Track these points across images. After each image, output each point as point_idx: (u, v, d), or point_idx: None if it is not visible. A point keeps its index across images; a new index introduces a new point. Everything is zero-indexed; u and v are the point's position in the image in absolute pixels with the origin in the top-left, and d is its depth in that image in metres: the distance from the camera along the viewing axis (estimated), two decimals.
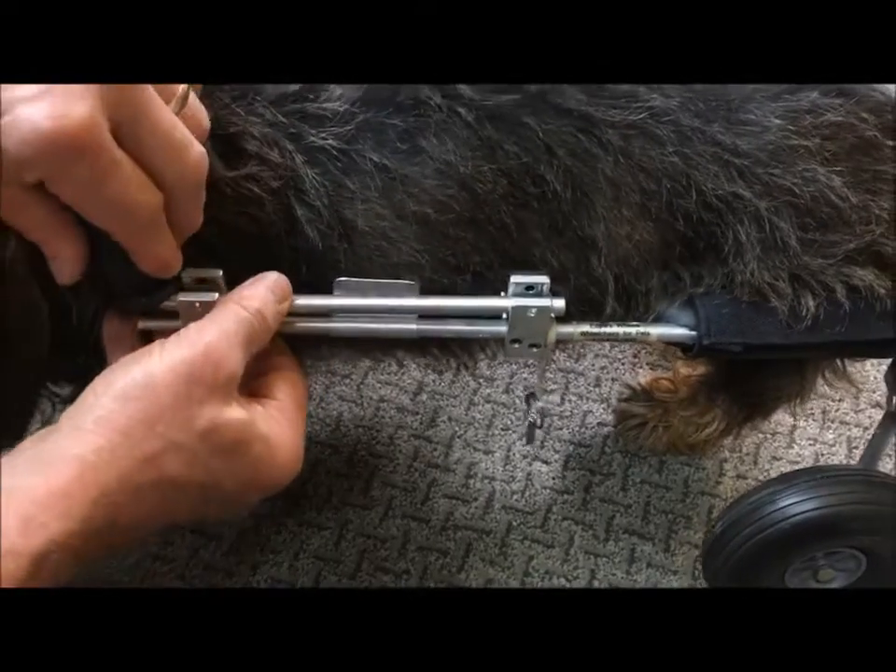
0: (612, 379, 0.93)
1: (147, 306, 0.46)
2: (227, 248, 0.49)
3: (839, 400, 0.92)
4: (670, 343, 0.57)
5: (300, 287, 0.49)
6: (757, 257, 0.53)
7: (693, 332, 0.54)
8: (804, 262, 0.53)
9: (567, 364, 0.94)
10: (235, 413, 0.42)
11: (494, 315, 0.51)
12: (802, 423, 0.90)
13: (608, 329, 0.53)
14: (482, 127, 0.49)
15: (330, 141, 0.48)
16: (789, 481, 0.63)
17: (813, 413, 0.91)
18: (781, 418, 0.89)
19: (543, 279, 0.49)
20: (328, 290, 0.50)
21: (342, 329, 0.50)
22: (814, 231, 0.53)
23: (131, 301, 0.46)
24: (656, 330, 0.54)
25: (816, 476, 0.63)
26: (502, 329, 0.50)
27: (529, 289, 0.49)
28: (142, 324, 0.48)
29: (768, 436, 0.89)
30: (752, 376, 0.70)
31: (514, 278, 0.49)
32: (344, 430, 0.88)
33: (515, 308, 0.49)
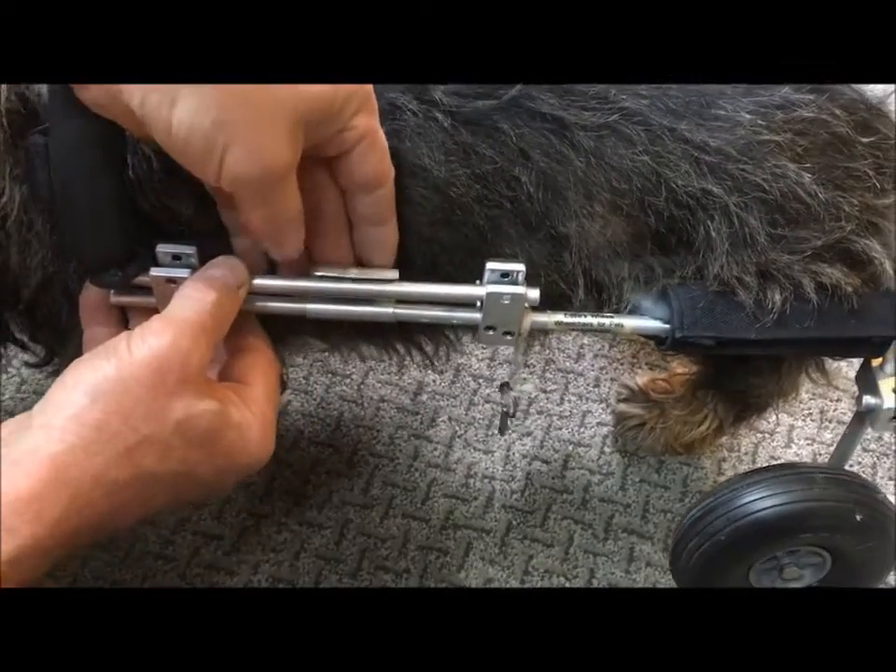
0: (611, 379, 0.94)
1: (120, 281, 0.46)
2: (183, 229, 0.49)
3: (837, 400, 0.92)
4: (644, 336, 0.57)
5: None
6: (726, 251, 0.53)
7: (667, 325, 0.55)
8: (771, 258, 0.53)
9: (567, 364, 0.94)
10: (207, 403, 0.42)
11: (469, 303, 0.51)
12: (800, 423, 0.91)
13: (582, 320, 0.54)
14: (457, 132, 0.50)
15: None
16: (753, 477, 0.63)
17: (811, 413, 0.91)
18: (780, 418, 0.90)
19: (519, 267, 0.50)
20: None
21: (318, 311, 0.50)
22: (783, 227, 0.53)
23: (104, 275, 0.46)
24: (630, 322, 0.55)
25: (781, 473, 0.63)
26: (477, 315, 0.51)
27: (504, 276, 0.50)
28: (114, 298, 0.48)
29: (766, 435, 0.90)
30: (733, 374, 0.70)
31: (490, 265, 0.50)
32: (345, 430, 0.89)
33: (490, 294, 0.50)
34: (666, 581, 0.79)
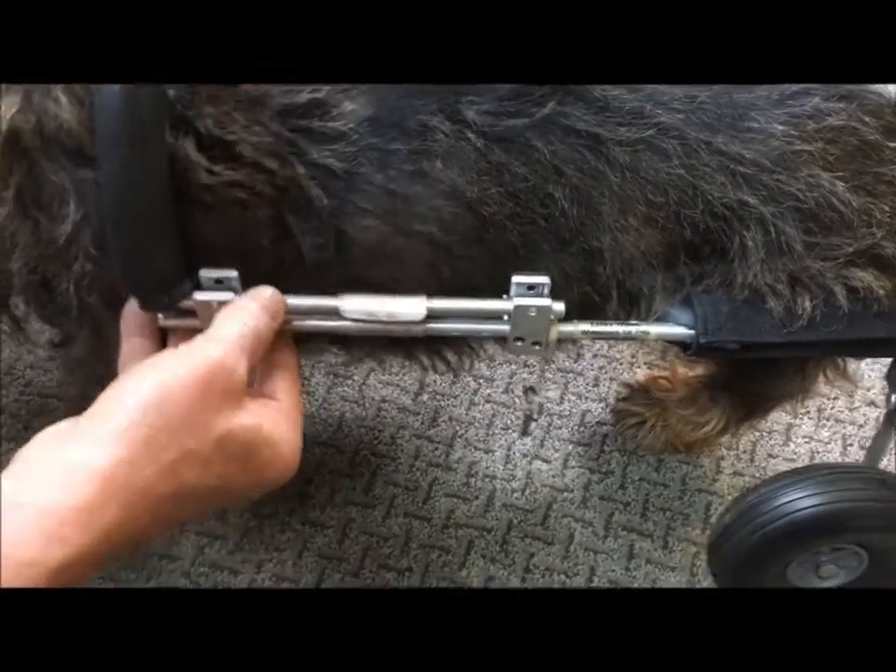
0: (611, 378, 0.94)
1: (167, 305, 0.48)
2: (209, 249, 0.50)
3: (834, 399, 0.93)
4: (669, 342, 0.58)
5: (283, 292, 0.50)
6: (761, 260, 0.54)
7: (692, 331, 0.55)
8: (805, 265, 0.54)
9: (567, 364, 0.95)
10: (246, 418, 0.43)
11: (496, 316, 0.52)
12: (797, 421, 0.92)
13: (607, 328, 0.55)
14: (490, 151, 0.50)
15: (332, 160, 0.49)
16: (797, 476, 0.64)
17: (809, 412, 0.92)
18: (777, 416, 0.90)
19: (544, 279, 0.50)
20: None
21: (348, 328, 0.51)
22: (816, 235, 0.53)
23: (150, 298, 0.48)
24: (655, 329, 0.55)
25: (823, 472, 0.64)
26: (505, 327, 0.52)
27: (531, 289, 0.51)
28: (162, 322, 0.49)
29: (764, 434, 0.90)
30: (755, 375, 0.71)
31: (516, 278, 0.51)
32: (347, 431, 0.89)
33: (517, 308, 0.50)
34: (666, 578, 0.80)
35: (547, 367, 0.95)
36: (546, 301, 0.51)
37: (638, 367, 0.96)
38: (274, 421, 0.46)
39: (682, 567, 0.81)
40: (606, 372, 0.95)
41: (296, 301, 0.50)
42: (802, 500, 0.62)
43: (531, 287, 0.51)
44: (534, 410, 0.60)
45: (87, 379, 0.60)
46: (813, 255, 0.54)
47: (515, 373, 0.94)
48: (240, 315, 0.46)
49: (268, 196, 0.49)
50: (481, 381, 0.93)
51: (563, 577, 0.80)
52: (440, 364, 0.65)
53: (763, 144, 0.51)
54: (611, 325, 0.55)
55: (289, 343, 0.51)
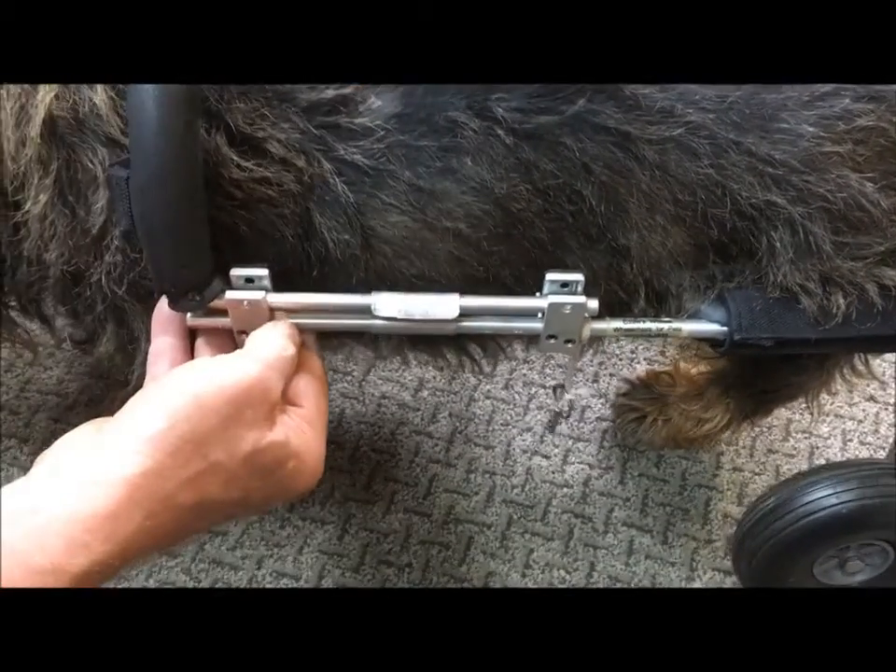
0: (610, 374, 0.94)
1: (199, 305, 0.48)
2: (238, 246, 0.50)
3: (833, 394, 0.93)
4: (701, 339, 0.58)
5: (310, 289, 0.51)
6: (790, 260, 0.54)
7: (724, 328, 0.55)
8: (836, 265, 0.54)
9: (566, 360, 0.95)
10: (274, 436, 0.43)
11: (530, 314, 0.52)
12: (797, 416, 0.92)
13: (640, 325, 0.54)
14: (519, 149, 0.50)
15: (359, 157, 0.49)
16: (821, 473, 0.64)
17: (808, 407, 0.92)
18: (777, 412, 0.90)
19: (578, 277, 0.50)
20: (340, 292, 0.51)
21: (381, 327, 0.51)
22: (846, 235, 0.53)
23: (183, 300, 0.48)
24: (688, 326, 0.55)
25: (852, 469, 0.64)
26: (538, 325, 0.51)
27: (564, 286, 0.51)
28: (191, 321, 0.49)
29: (764, 429, 0.90)
30: (776, 373, 0.70)
31: (550, 275, 0.50)
32: (347, 427, 0.90)
33: (551, 305, 0.50)
34: (666, 574, 0.80)
35: (546, 363, 0.95)
36: (581, 299, 0.50)
37: (638, 363, 0.96)
38: (300, 431, 0.46)
39: (682, 562, 0.81)
40: (605, 368, 0.95)
41: (328, 299, 0.50)
42: (827, 498, 0.62)
43: (565, 284, 0.50)
44: (564, 408, 0.60)
45: (112, 377, 0.59)
46: (843, 255, 0.54)
47: (515, 369, 0.94)
48: (283, 338, 0.47)
49: (295, 192, 0.49)
50: (480, 377, 0.93)
51: (563, 572, 0.80)
52: (466, 361, 0.64)
53: (792, 145, 0.51)
54: (644, 322, 0.54)
55: (315, 347, 0.52)
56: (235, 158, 0.47)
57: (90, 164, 0.47)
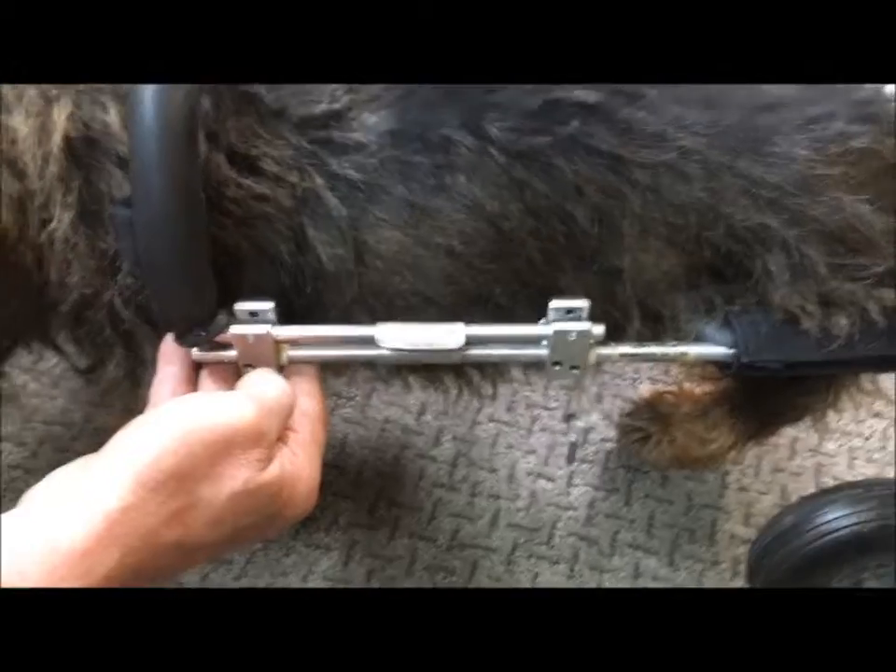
0: (614, 395, 0.94)
1: (204, 340, 0.48)
2: (230, 263, 0.50)
3: (840, 411, 0.92)
4: (708, 362, 0.57)
5: (304, 307, 0.51)
6: (786, 282, 0.53)
7: (731, 351, 0.54)
8: (833, 287, 0.54)
9: (568, 381, 0.95)
10: (268, 474, 0.43)
11: (534, 341, 0.51)
12: (802, 434, 0.91)
13: (646, 350, 0.54)
14: (512, 167, 0.50)
15: (352, 171, 0.49)
16: (838, 493, 0.64)
17: (814, 425, 0.91)
18: (783, 430, 0.89)
19: (583, 304, 0.50)
20: (335, 309, 0.52)
21: (386, 358, 0.51)
22: (842, 257, 0.53)
23: (188, 336, 0.48)
24: (694, 350, 0.55)
25: (872, 488, 0.64)
26: (543, 352, 0.51)
27: (569, 313, 0.50)
28: (196, 355, 0.49)
29: (769, 448, 0.90)
30: (781, 394, 0.70)
31: (554, 303, 0.50)
32: (350, 452, 0.89)
33: (556, 332, 0.50)
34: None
35: (549, 383, 0.95)
36: (586, 325, 0.50)
37: (641, 382, 0.96)
38: (293, 457, 0.45)
39: (689, 584, 0.80)
40: (608, 389, 0.95)
41: (332, 331, 0.50)
42: (847, 517, 0.62)
43: (570, 310, 0.50)
44: (578, 437, 0.60)
45: (117, 406, 0.60)
46: (840, 276, 0.54)
47: (517, 392, 0.94)
48: (283, 383, 0.47)
49: (289, 207, 0.50)
50: (483, 400, 0.93)
51: None
52: (466, 389, 0.64)
53: (785, 168, 0.51)
54: (650, 347, 0.54)
55: (315, 371, 0.52)
56: (234, 176, 0.48)
57: (104, 186, 0.47)
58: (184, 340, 0.48)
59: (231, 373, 0.51)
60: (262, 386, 0.46)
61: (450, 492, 0.86)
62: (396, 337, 0.50)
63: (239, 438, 0.42)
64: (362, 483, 0.87)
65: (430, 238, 0.51)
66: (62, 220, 0.48)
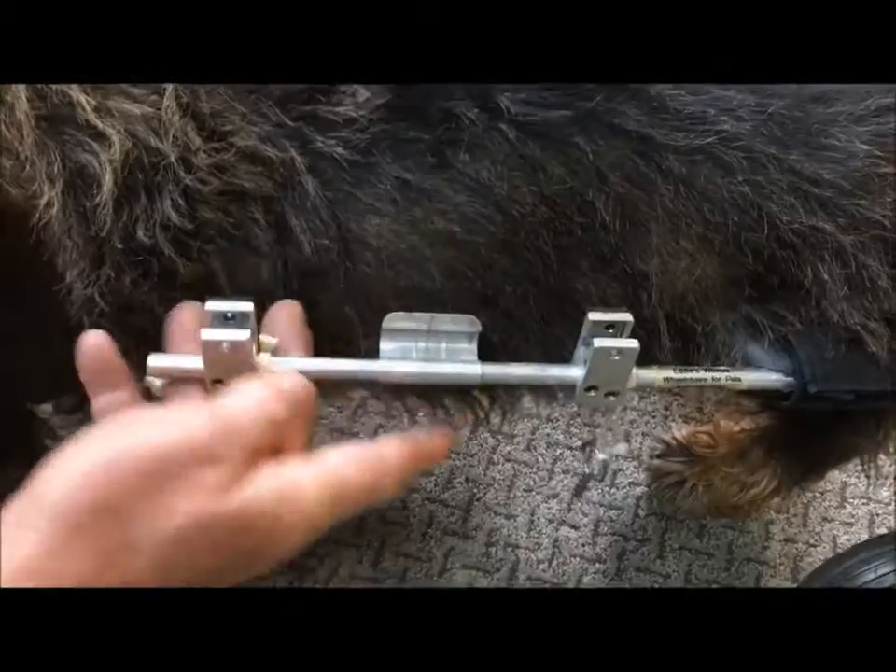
0: (643, 434, 0.87)
1: None
2: (208, 250, 0.45)
3: (892, 453, 0.85)
4: (762, 392, 0.51)
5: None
6: (844, 297, 0.48)
7: (791, 378, 0.48)
8: None
9: (594, 417, 0.88)
10: (225, 504, 0.35)
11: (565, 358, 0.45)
12: (853, 479, 0.84)
13: (693, 375, 0.47)
14: (524, 145, 0.45)
15: (339, 149, 0.44)
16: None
17: (864, 470, 0.84)
18: (830, 475, 0.83)
19: (626, 317, 0.43)
20: (321, 307, 0.46)
21: (394, 375, 0.43)
22: None
23: None
24: (748, 376, 0.48)
25: None
26: (576, 373, 0.44)
27: (609, 328, 0.43)
28: (153, 366, 0.41)
29: (817, 495, 0.83)
30: (828, 432, 0.64)
31: (593, 315, 0.43)
32: None
33: (598, 350, 0.42)
34: None
35: (572, 421, 0.87)
36: (632, 343, 0.42)
37: (673, 420, 0.88)
38: (279, 479, 0.36)
39: None
40: (637, 427, 0.87)
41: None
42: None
43: (610, 325, 0.43)
44: (594, 469, 0.52)
45: None
46: None
47: (537, 429, 0.87)
48: (263, 389, 0.37)
49: (267, 191, 0.45)
50: (499, 437, 0.86)
51: None
52: (468, 412, 0.58)
53: (842, 164, 0.46)
54: (698, 371, 0.47)
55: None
56: (202, 145, 0.43)
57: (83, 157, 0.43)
58: None
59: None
60: (233, 394, 0.37)
61: (463, 540, 0.80)
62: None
63: (182, 459, 0.34)
64: (366, 530, 0.80)
65: (428, 224, 0.46)
66: (52, 198, 0.44)
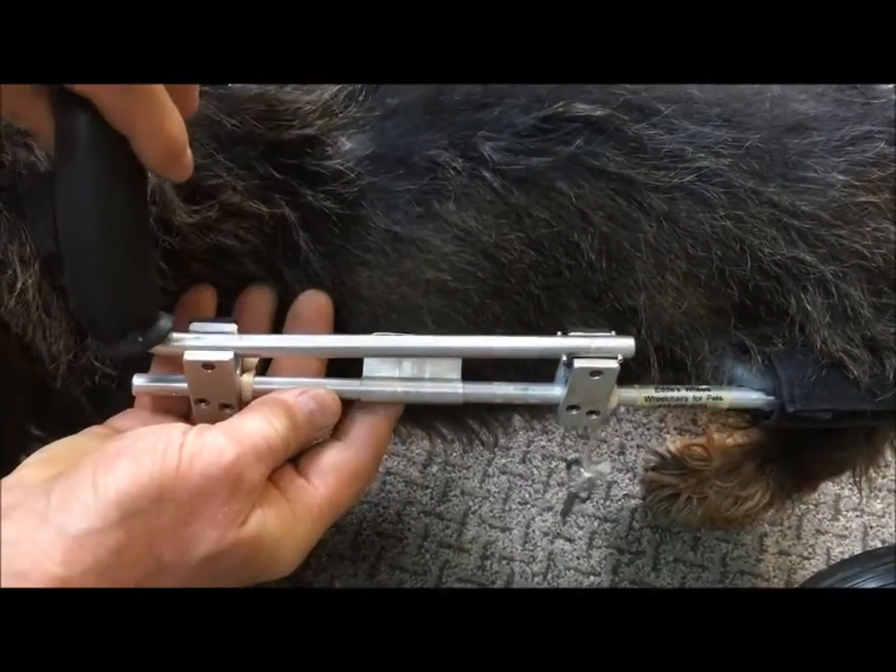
0: (637, 446, 0.87)
1: (141, 347, 0.39)
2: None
3: (885, 466, 0.85)
4: (743, 410, 0.52)
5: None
6: (827, 325, 0.48)
7: (771, 398, 0.49)
8: (879, 330, 0.48)
9: (588, 430, 0.87)
10: (245, 531, 0.37)
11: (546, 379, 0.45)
12: (846, 492, 0.84)
13: (674, 394, 0.48)
14: (508, 193, 0.45)
15: (329, 203, 0.45)
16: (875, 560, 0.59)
17: (856, 482, 0.84)
18: (824, 487, 0.82)
19: (608, 336, 0.44)
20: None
21: (376, 394, 0.44)
22: (889, 296, 0.48)
23: (121, 342, 0.39)
24: (730, 395, 0.49)
25: None
26: (557, 392, 0.45)
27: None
28: (138, 384, 0.42)
29: (811, 507, 0.82)
30: (817, 446, 0.64)
31: (574, 334, 0.44)
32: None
33: (577, 370, 0.43)
34: None
35: (567, 433, 0.87)
36: (612, 364, 0.43)
37: (667, 432, 0.88)
38: (282, 516, 0.39)
39: None
40: (632, 439, 0.87)
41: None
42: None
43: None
44: (581, 487, 0.53)
45: None
46: (887, 317, 0.48)
47: (532, 441, 0.87)
48: (275, 415, 0.39)
49: (258, 246, 0.45)
50: (495, 450, 0.86)
51: None
52: (462, 437, 0.58)
53: (820, 195, 0.46)
54: (678, 390, 0.48)
55: (383, 415, 0.45)
56: (182, 203, 0.42)
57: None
58: (116, 347, 0.39)
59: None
60: (248, 420, 0.39)
61: (458, 553, 0.79)
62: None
63: (214, 487, 0.36)
64: (361, 543, 0.79)
65: (419, 274, 0.47)
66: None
